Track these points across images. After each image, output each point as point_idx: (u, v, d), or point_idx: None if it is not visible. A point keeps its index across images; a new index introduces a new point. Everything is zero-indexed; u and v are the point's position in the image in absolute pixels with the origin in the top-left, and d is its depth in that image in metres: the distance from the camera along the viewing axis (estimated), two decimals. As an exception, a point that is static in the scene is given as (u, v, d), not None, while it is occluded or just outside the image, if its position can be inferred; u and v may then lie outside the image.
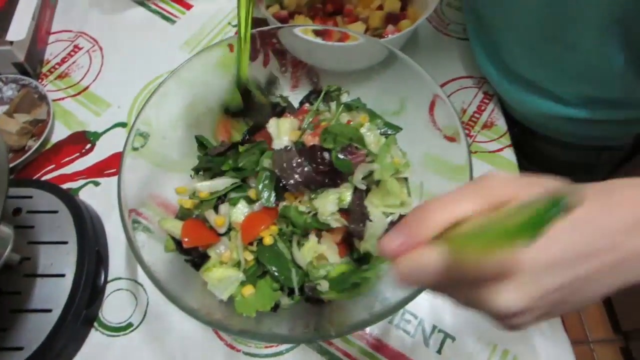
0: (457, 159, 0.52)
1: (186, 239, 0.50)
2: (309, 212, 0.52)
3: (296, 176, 0.51)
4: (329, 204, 0.51)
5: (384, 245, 0.28)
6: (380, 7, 0.74)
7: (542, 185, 0.28)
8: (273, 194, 0.53)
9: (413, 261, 0.28)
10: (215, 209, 0.54)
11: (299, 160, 0.52)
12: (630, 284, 0.30)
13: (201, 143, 0.61)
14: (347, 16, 0.74)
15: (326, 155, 0.53)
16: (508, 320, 0.29)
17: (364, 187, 0.53)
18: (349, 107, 0.61)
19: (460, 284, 0.28)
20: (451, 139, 0.54)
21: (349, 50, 0.62)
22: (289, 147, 0.54)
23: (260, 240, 0.51)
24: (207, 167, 0.58)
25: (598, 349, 1.59)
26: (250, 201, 0.54)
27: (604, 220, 0.29)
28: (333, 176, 0.52)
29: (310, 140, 0.56)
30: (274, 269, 0.50)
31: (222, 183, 0.55)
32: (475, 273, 0.27)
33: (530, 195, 0.26)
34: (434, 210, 0.28)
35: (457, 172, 0.52)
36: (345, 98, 0.62)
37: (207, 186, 0.55)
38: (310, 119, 0.59)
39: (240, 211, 0.52)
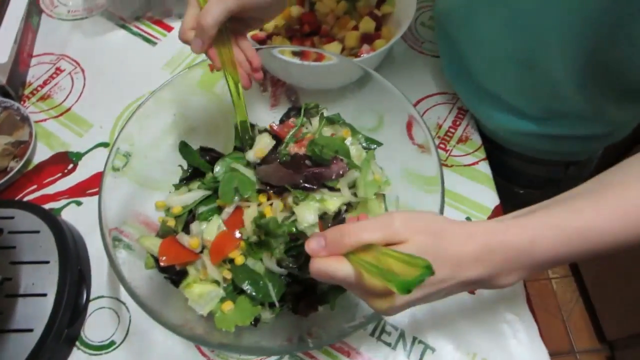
0: (430, 171, 0.54)
1: (163, 258, 0.51)
2: (289, 218, 0.53)
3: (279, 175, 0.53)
4: (308, 213, 0.52)
5: (309, 246, 0.39)
6: (356, 28, 0.76)
7: (428, 234, 0.38)
8: (236, 195, 0.54)
9: (328, 266, 0.38)
10: (188, 227, 0.55)
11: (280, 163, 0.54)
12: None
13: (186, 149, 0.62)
14: (324, 36, 0.77)
15: (308, 162, 0.54)
16: (381, 313, 0.40)
17: (354, 199, 0.54)
18: (331, 121, 0.62)
19: (356, 289, 0.39)
20: (425, 151, 0.56)
21: (325, 69, 0.64)
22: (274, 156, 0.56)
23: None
24: (186, 177, 0.59)
25: (584, 359, 1.61)
26: (220, 211, 0.55)
27: (460, 254, 0.39)
28: (312, 179, 0.53)
29: (295, 151, 0.58)
30: (249, 288, 0.51)
31: (192, 196, 0.56)
32: (367, 289, 0.37)
33: (414, 245, 0.37)
34: (348, 236, 0.37)
35: (430, 184, 0.54)
36: (324, 113, 0.63)
37: (178, 200, 0.56)
38: (294, 133, 0.61)
39: (212, 229, 0.52)
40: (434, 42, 0.86)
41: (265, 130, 0.62)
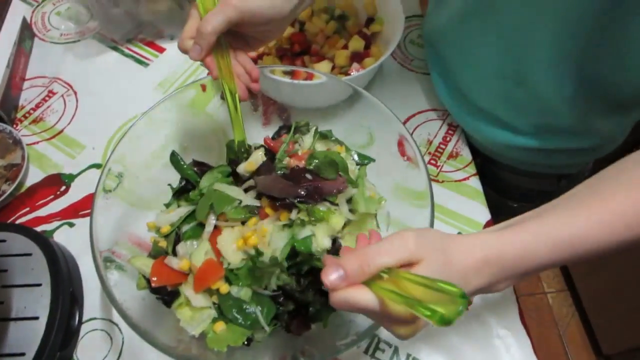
0: (420, 186, 0.55)
1: (154, 279, 0.51)
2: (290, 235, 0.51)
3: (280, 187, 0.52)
4: (325, 237, 0.50)
5: (327, 280, 0.37)
6: (346, 47, 0.77)
7: (439, 251, 0.39)
8: (212, 217, 0.53)
9: (351, 297, 0.37)
10: (175, 249, 0.54)
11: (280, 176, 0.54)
12: None
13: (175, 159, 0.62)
14: (314, 55, 0.78)
15: (309, 176, 0.54)
16: (404, 339, 0.41)
17: (351, 216, 0.54)
18: (324, 136, 0.63)
19: (380, 317, 0.39)
20: (415, 167, 0.57)
21: (315, 88, 0.65)
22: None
23: None
24: (176, 192, 0.59)
25: (582, 373, 1.60)
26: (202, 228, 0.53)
27: (465, 267, 0.40)
28: (314, 193, 0.52)
29: (293, 164, 0.58)
30: (236, 318, 0.50)
31: (176, 213, 0.55)
32: (392, 317, 0.37)
33: (429, 265, 0.38)
34: (367, 264, 0.37)
35: (420, 198, 0.54)
36: (315, 131, 0.64)
37: (166, 219, 0.55)
38: (285, 149, 0.61)
39: (199, 254, 0.51)
40: (423, 60, 0.87)
41: (262, 146, 0.62)
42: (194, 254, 0.51)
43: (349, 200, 0.56)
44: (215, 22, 0.52)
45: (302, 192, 0.51)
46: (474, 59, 0.69)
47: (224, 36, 0.55)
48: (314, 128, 0.62)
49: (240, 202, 0.53)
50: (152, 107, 0.61)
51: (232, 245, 0.51)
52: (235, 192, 0.55)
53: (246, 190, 0.56)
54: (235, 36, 0.57)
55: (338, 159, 0.56)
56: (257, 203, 0.54)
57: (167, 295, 0.52)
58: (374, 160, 0.64)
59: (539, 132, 0.70)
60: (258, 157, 0.56)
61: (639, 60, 0.54)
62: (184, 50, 0.56)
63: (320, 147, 0.61)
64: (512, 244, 0.41)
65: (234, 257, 0.50)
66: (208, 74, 0.60)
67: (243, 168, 0.56)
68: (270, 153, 0.60)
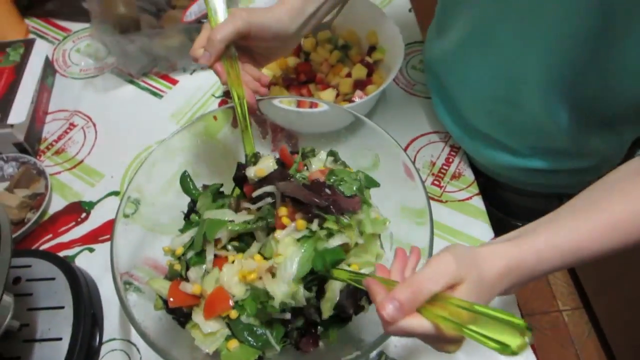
0: (419, 204, 0.57)
1: (171, 299, 0.53)
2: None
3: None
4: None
5: (386, 314, 0.39)
6: (349, 75, 0.81)
7: (473, 267, 0.42)
8: (210, 246, 0.54)
9: (408, 326, 0.40)
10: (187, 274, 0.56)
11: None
12: None
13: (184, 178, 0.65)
14: (319, 83, 0.82)
15: (328, 190, 0.55)
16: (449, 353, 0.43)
17: (360, 240, 0.55)
18: (333, 155, 0.66)
19: (435, 341, 0.42)
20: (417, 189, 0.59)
21: (319, 115, 0.68)
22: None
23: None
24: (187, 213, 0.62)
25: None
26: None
27: (491, 277, 0.44)
28: (336, 205, 0.53)
29: (313, 177, 0.59)
30: (248, 339, 0.52)
31: (187, 235, 0.57)
32: (447, 340, 0.40)
33: (470, 284, 0.41)
34: (420, 293, 0.40)
35: (421, 216, 0.57)
36: (322, 155, 0.67)
37: (179, 241, 0.58)
38: (296, 168, 0.63)
39: (210, 281, 0.53)
40: (424, 84, 0.91)
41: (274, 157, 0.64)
42: (205, 280, 0.53)
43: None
44: (225, 31, 0.56)
45: (326, 203, 0.52)
46: (471, 84, 0.72)
47: (233, 47, 0.59)
48: (322, 152, 0.65)
49: (233, 221, 0.55)
50: (167, 137, 0.65)
51: (234, 278, 0.52)
52: (225, 214, 0.56)
53: (255, 201, 0.57)
54: (243, 51, 0.62)
55: (355, 178, 0.58)
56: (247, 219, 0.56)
57: (182, 316, 0.54)
58: (379, 185, 0.67)
59: (537, 154, 0.72)
60: (269, 164, 0.58)
61: (625, 82, 0.57)
62: (195, 58, 0.60)
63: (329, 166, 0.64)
64: (529, 253, 0.45)
65: (237, 289, 0.52)
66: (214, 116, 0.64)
67: (253, 172, 0.57)
68: (280, 163, 0.62)
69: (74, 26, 1.04)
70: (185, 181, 0.65)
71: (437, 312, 0.39)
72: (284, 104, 0.70)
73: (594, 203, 0.49)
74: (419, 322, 0.39)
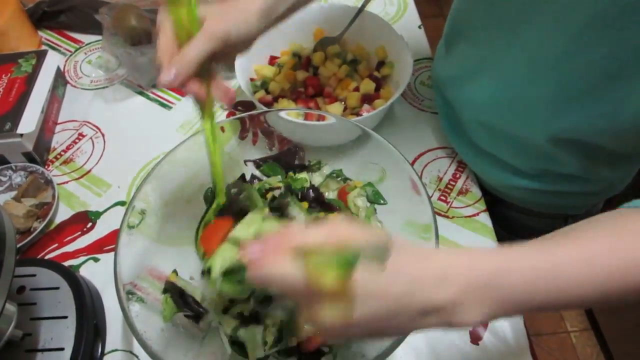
0: (425, 219, 0.57)
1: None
2: None
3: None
4: None
5: (242, 251, 0.36)
6: (357, 89, 0.81)
7: (373, 233, 0.36)
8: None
9: (272, 265, 0.34)
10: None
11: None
12: (434, 327, 0.37)
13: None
14: (327, 97, 0.82)
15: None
16: (333, 334, 0.36)
17: None
18: (336, 175, 0.66)
19: (303, 294, 0.34)
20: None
21: (326, 128, 0.68)
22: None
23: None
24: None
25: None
26: None
27: (420, 271, 0.36)
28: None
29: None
30: None
31: None
32: (315, 288, 0.33)
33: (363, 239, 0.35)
34: (291, 235, 0.35)
35: (427, 231, 0.56)
36: (326, 170, 0.67)
37: None
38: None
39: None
40: (432, 100, 0.91)
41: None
42: None
43: None
44: (200, 51, 0.50)
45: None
46: (477, 105, 0.72)
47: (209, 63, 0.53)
48: (327, 166, 0.65)
49: None
50: (173, 148, 0.65)
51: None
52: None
53: None
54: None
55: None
56: None
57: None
58: (386, 203, 0.66)
59: (543, 176, 0.72)
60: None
61: (632, 119, 0.56)
62: (158, 66, 0.52)
63: (332, 185, 0.64)
64: (484, 261, 0.38)
65: None
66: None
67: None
68: None
69: (86, 38, 1.05)
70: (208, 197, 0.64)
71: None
72: (291, 116, 0.70)
73: (576, 236, 0.43)
74: (284, 263, 0.34)
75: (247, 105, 0.90)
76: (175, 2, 0.51)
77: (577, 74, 0.55)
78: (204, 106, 0.55)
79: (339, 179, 0.65)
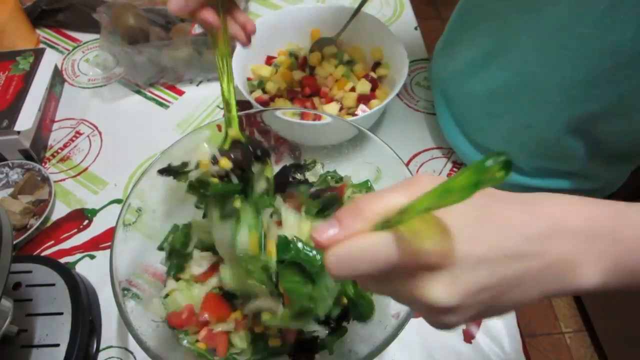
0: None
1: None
2: None
3: None
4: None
5: (317, 235, 0.28)
6: (353, 89, 0.82)
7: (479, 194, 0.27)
8: None
9: (350, 247, 0.27)
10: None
11: None
12: (549, 295, 0.31)
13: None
14: (323, 97, 0.82)
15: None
16: (439, 317, 0.29)
17: None
18: (330, 176, 0.66)
19: (397, 272, 0.28)
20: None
21: (322, 128, 0.69)
22: None
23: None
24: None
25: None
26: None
27: (526, 227, 0.30)
28: None
29: None
30: None
31: None
32: (412, 259, 0.27)
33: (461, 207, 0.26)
34: (368, 202, 0.28)
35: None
36: (319, 169, 0.68)
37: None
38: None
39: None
40: (428, 101, 0.91)
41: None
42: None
43: None
44: None
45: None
46: (481, 101, 0.73)
47: None
48: (319, 164, 0.65)
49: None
50: (170, 146, 0.65)
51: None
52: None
53: None
54: None
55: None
56: None
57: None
58: None
59: (543, 174, 0.72)
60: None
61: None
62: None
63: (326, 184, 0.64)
64: (603, 207, 0.33)
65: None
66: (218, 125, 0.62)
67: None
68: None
69: (84, 37, 1.05)
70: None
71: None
72: (287, 115, 0.71)
73: None
74: (371, 237, 0.27)
75: (244, 105, 0.90)
76: None
77: (599, 57, 0.54)
78: (217, 39, 0.51)
79: (333, 179, 0.65)
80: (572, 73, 0.58)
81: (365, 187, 0.62)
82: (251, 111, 0.69)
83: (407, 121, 0.89)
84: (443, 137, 0.84)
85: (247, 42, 0.54)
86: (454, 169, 0.82)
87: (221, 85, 0.55)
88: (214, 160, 0.51)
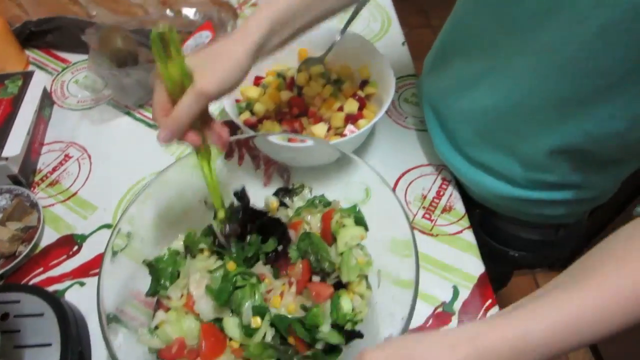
0: (404, 236, 0.57)
1: None
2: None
3: None
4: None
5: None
6: (341, 108, 0.82)
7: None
8: None
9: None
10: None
11: None
12: None
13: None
14: (312, 117, 0.83)
15: None
16: None
17: None
18: (317, 202, 0.66)
19: None
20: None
21: (307, 151, 0.69)
22: None
23: None
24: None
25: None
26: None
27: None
28: None
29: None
30: None
31: None
32: None
33: None
34: None
35: (407, 248, 0.57)
36: (307, 194, 0.68)
37: None
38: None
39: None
40: (416, 117, 0.92)
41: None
42: None
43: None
44: (192, 110, 0.53)
45: None
46: (473, 115, 0.73)
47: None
48: (307, 189, 0.66)
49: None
50: (160, 172, 0.65)
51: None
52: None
53: None
54: None
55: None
56: None
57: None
58: (368, 230, 0.66)
59: (536, 185, 0.72)
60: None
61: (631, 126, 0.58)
62: (155, 122, 0.57)
63: (315, 212, 0.64)
64: (508, 331, 0.40)
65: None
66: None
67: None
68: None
69: (73, 57, 1.06)
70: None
71: None
72: (276, 138, 0.71)
73: (590, 271, 0.44)
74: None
75: (232, 126, 0.90)
76: (163, 59, 0.53)
77: (590, 77, 0.55)
78: (200, 149, 0.59)
79: (321, 203, 0.65)
80: (563, 92, 0.59)
81: (353, 211, 0.62)
82: (240, 137, 0.69)
83: (395, 138, 0.90)
84: (432, 152, 0.85)
85: (224, 149, 0.60)
86: (443, 186, 0.82)
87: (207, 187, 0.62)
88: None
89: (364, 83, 0.87)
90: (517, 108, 0.66)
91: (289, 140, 0.71)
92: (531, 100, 0.63)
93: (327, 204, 0.65)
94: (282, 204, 0.68)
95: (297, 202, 0.65)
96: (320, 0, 0.64)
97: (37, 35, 1.06)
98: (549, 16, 0.56)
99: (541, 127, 0.64)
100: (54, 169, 0.86)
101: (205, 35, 0.88)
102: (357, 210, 0.62)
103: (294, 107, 0.83)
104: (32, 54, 1.06)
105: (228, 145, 0.61)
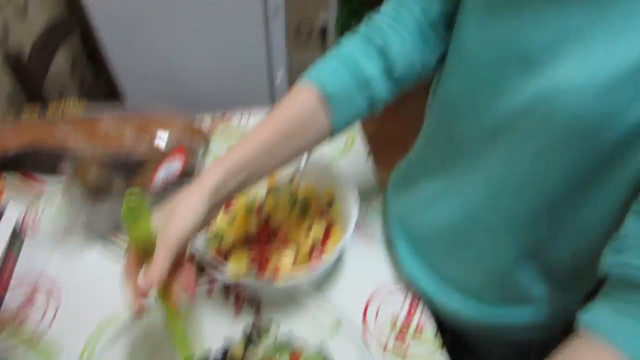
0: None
1: None
2: None
3: None
4: None
5: None
6: (310, 228, 0.85)
7: None
8: None
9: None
10: None
11: None
12: None
13: None
14: (281, 239, 0.85)
15: None
16: None
17: None
18: (283, 345, 0.67)
19: None
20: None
21: (269, 289, 0.70)
22: None
23: None
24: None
25: None
26: None
27: None
28: None
29: None
30: None
31: None
32: None
33: None
34: None
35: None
36: (275, 332, 0.68)
37: None
38: None
39: None
40: (384, 233, 0.94)
41: None
42: None
43: None
44: (160, 273, 0.54)
45: None
46: (438, 235, 0.76)
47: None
48: (275, 327, 0.66)
49: None
50: (125, 327, 0.65)
51: None
52: None
53: None
54: None
55: None
56: None
57: None
58: None
59: (504, 302, 0.74)
60: None
61: (588, 239, 0.60)
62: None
63: (282, 352, 0.64)
64: None
65: None
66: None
67: None
68: None
69: (51, 179, 1.07)
70: None
71: None
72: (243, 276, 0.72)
73: None
74: None
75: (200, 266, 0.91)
76: (129, 219, 0.56)
77: (534, 197, 0.58)
78: (168, 303, 0.59)
79: (287, 349, 0.66)
80: (513, 209, 0.62)
81: (319, 359, 0.62)
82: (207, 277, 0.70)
83: (364, 255, 0.91)
84: (399, 270, 0.86)
85: (192, 296, 0.61)
86: (413, 305, 0.83)
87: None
88: None
89: (330, 204, 0.90)
90: (474, 224, 0.68)
91: (259, 270, 0.73)
92: (486, 216, 0.66)
93: (293, 349, 0.65)
94: (251, 341, 0.68)
95: (265, 340, 0.65)
96: (283, 146, 0.67)
97: (14, 160, 1.08)
98: (493, 139, 0.60)
99: (498, 242, 0.67)
100: (21, 307, 0.85)
101: (175, 166, 0.92)
102: (323, 357, 0.62)
103: (263, 234, 0.85)
104: (10, 176, 1.08)
105: (194, 294, 0.62)
